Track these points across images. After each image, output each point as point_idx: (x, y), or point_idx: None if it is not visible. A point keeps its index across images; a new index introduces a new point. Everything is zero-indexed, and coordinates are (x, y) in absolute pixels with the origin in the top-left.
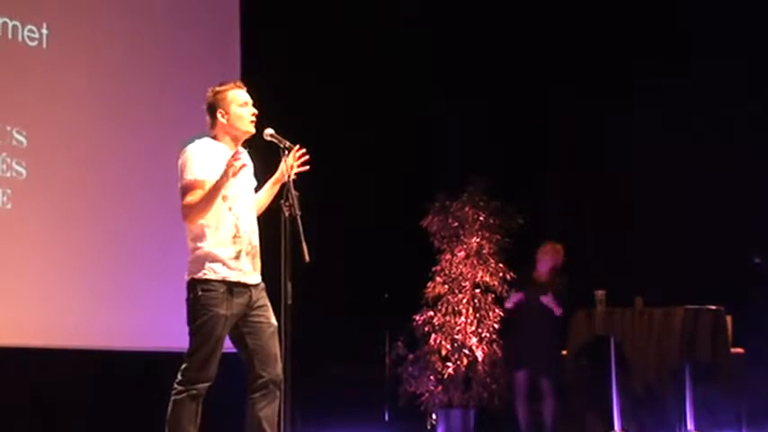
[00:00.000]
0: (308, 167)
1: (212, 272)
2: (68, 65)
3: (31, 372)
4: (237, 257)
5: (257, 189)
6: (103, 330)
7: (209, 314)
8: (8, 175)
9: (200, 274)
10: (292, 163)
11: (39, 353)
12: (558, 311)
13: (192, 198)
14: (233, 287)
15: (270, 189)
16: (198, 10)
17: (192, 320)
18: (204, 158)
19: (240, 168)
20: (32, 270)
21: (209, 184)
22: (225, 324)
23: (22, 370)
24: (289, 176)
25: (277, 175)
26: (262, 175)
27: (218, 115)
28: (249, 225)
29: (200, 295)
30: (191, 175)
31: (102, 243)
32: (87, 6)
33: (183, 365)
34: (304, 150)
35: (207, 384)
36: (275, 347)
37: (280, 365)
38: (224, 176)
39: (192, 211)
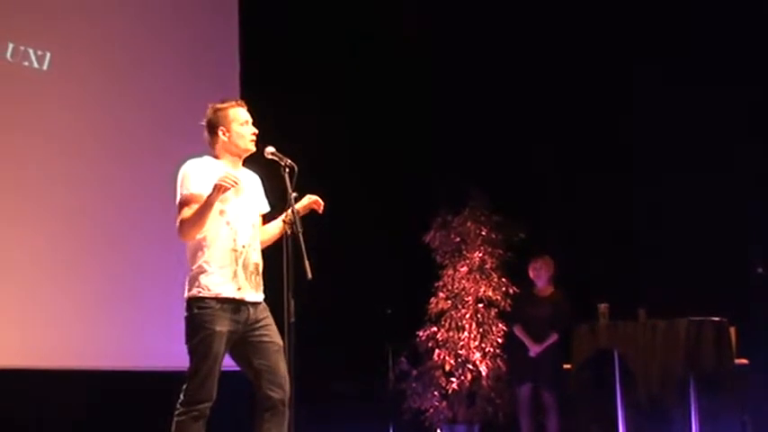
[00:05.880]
0: (319, 212)
1: (207, 289)
2: (70, 80)
3: (31, 393)
4: (234, 273)
5: (269, 217)
6: (108, 350)
7: (205, 332)
8: None
9: (194, 292)
10: (306, 205)
11: (38, 374)
12: (534, 350)
13: (187, 212)
14: (229, 303)
15: (281, 224)
16: (198, 19)
17: (189, 339)
18: (201, 174)
19: (232, 185)
20: (30, 289)
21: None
22: (222, 341)
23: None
24: (290, 194)
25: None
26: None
27: (220, 133)
28: (248, 241)
29: (195, 313)
30: (186, 189)
31: (105, 260)
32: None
33: (184, 386)
34: (322, 205)
35: (208, 404)
36: (282, 366)
37: (288, 384)
38: (214, 191)
39: (185, 226)
